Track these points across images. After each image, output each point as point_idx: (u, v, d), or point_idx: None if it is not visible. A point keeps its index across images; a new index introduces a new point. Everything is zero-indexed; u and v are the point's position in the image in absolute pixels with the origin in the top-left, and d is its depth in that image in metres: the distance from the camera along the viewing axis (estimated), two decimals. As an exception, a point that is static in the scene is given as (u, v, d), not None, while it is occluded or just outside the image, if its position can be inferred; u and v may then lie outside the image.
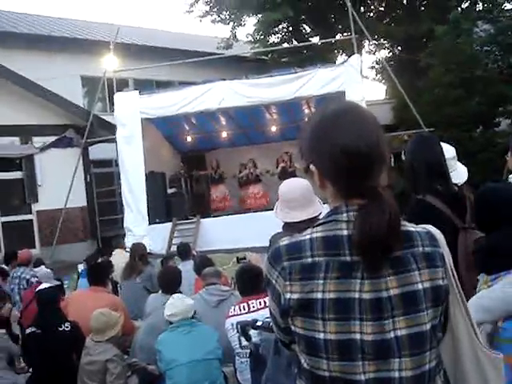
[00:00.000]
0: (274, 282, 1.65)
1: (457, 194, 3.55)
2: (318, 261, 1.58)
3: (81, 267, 9.51)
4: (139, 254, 8.52)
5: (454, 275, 1.73)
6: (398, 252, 1.58)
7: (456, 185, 3.62)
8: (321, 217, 1.74)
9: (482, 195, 3.12)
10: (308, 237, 1.63)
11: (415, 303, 1.57)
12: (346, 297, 1.55)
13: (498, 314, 2.69)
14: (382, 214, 1.54)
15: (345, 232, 1.59)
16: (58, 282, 8.11)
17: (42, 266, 8.71)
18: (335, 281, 1.55)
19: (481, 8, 20.90)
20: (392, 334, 1.55)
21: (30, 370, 5.67)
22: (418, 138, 3.97)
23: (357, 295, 1.55)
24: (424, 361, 1.58)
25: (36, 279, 8.21)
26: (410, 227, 1.67)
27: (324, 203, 3.62)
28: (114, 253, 9.93)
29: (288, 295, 1.60)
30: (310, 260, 1.59)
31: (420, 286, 1.58)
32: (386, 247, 1.54)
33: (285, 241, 1.67)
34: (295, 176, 13.45)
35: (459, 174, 3.88)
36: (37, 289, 6.31)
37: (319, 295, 1.55)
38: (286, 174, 15.48)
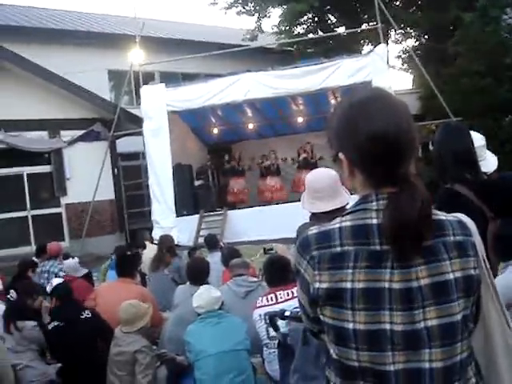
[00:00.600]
0: (302, 271, 1.64)
1: (486, 182, 3.50)
2: (347, 250, 1.56)
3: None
4: (167, 246, 8.57)
5: (486, 265, 1.70)
6: (428, 241, 1.55)
7: (485, 173, 3.57)
8: (348, 207, 1.72)
9: (500, 182, 3.09)
10: (337, 226, 1.61)
11: (446, 293, 1.55)
12: (375, 286, 1.53)
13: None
14: (413, 201, 1.52)
15: (374, 221, 1.57)
16: (86, 270, 8.17)
17: (70, 259, 8.79)
18: (365, 270, 1.54)
19: (510, -6, 20.57)
20: (422, 325, 1.53)
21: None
22: (446, 126, 3.91)
23: (387, 285, 1.53)
24: (455, 352, 1.56)
25: (63, 273, 8.29)
26: (441, 216, 1.64)
27: (351, 193, 3.62)
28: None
29: (317, 284, 1.58)
30: (339, 249, 1.57)
31: (451, 276, 1.56)
32: (417, 236, 1.51)
33: (313, 230, 1.65)
34: (316, 167, 13.40)
35: (489, 162, 3.82)
36: (53, 285, 6.36)
37: (348, 285, 1.54)
38: (307, 165, 15.45)
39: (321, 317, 1.62)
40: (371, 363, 1.54)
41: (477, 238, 1.67)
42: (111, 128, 15.76)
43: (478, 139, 3.67)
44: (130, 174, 18.71)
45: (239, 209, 15.89)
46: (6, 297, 5.98)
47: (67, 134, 16.02)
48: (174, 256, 8.51)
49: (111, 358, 5.23)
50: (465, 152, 3.43)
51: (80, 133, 16.17)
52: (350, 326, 1.54)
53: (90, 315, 5.57)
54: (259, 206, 15.77)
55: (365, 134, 1.56)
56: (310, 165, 15.08)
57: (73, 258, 8.75)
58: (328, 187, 3.58)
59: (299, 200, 3.78)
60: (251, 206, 15.84)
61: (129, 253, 8.52)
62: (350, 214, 1.62)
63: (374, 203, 1.59)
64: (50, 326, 5.65)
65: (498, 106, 17.74)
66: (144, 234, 11.59)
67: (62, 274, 8.32)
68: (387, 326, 1.52)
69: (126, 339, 5.21)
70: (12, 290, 5.99)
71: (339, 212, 3.13)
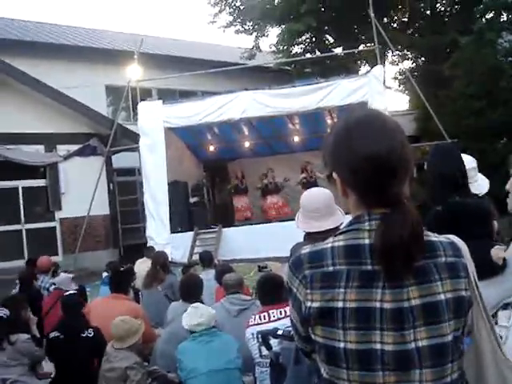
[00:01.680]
0: (295, 290, 1.65)
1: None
2: (339, 269, 1.57)
3: (105, 275, 9.53)
4: (161, 262, 8.53)
5: (477, 287, 1.71)
6: (420, 262, 1.56)
7: (477, 195, 3.59)
8: (342, 226, 1.74)
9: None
10: (329, 245, 1.62)
11: (437, 314, 1.55)
12: (366, 306, 1.53)
13: None
14: (404, 223, 1.53)
15: (367, 241, 1.57)
16: (76, 287, 8.10)
17: (61, 274, 8.72)
18: (356, 290, 1.54)
19: (505, 19, 20.74)
20: (413, 345, 1.53)
21: (52, 375, 5.70)
22: (436, 148, 3.96)
23: (378, 305, 1.53)
24: (445, 372, 1.56)
25: (54, 286, 8.22)
26: (433, 237, 1.65)
27: (346, 213, 3.63)
28: (138, 261, 9.94)
29: (309, 303, 1.59)
30: (331, 268, 1.58)
31: (442, 297, 1.56)
32: (408, 257, 1.52)
33: (306, 249, 1.66)
34: (317, 186, 13.41)
35: (479, 185, 3.86)
36: (64, 294, 6.36)
37: (340, 304, 1.54)
38: (307, 184, 15.47)
39: (312, 336, 1.62)
40: (362, 383, 1.54)
41: (468, 260, 1.68)
42: (108, 143, 15.76)
43: (469, 162, 3.70)
44: (125, 189, 18.71)
45: (235, 226, 15.86)
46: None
47: (63, 149, 16.01)
48: (168, 273, 8.48)
49: (102, 373, 5.20)
50: (452, 174, 3.45)
51: (76, 147, 16.17)
52: (341, 345, 1.54)
53: (92, 334, 5.51)
54: (256, 224, 15.75)
55: (358, 155, 1.57)
56: (309, 184, 15.07)
57: (66, 272, 8.72)
58: (323, 207, 3.60)
59: (293, 219, 3.80)
60: (250, 224, 15.83)
61: (122, 268, 8.49)
62: (343, 234, 1.63)
63: (367, 223, 1.59)
64: (50, 335, 5.62)
65: (492, 128, 17.83)
66: (146, 250, 11.41)
67: (51, 288, 8.24)
68: (378, 346, 1.53)
69: (117, 355, 5.18)
70: (2, 308, 5.94)
71: (333, 231, 3.15)
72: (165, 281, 8.12)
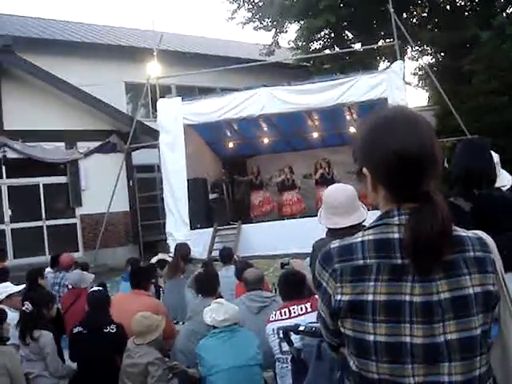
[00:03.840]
0: (324, 283, 1.66)
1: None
2: (369, 263, 1.59)
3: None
4: (182, 253, 8.62)
5: (504, 282, 1.72)
6: (449, 256, 1.57)
7: (499, 189, 3.58)
8: (366, 222, 1.74)
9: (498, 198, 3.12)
10: (359, 239, 1.64)
11: (466, 307, 1.56)
12: (396, 299, 1.55)
13: None
14: (433, 217, 1.54)
15: (396, 235, 1.59)
16: (90, 280, 7.99)
17: (77, 270, 8.63)
18: (386, 283, 1.56)
19: (526, 13, 20.59)
20: (442, 338, 1.54)
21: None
22: (466, 143, 3.95)
23: (407, 298, 1.55)
24: (474, 366, 1.57)
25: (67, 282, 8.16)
26: (462, 232, 1.66)
27: (369, 209, 3.62)
28: (155, 257, 9.97)
29: (338, 297, 1.61)
30: (361, 262, 1.60)
31: (471, 291, 1.57)
32: (437, 251, 1.54)
33: (336, 243, 1.68)
34: (333, 182, 13.39)
35: (501, 179, 3.86)
36: (90, 291, 6.40)
37: (370, 297, 1.56)
38: (324, 181, 15.45)
39: (341, 329, 1.63)
40: (391, 375, 1.55)
41: (496, 256, 1.69)
42: (127, 140, 15.83)
43: (494, 157, 3.68)
44: (144, 186, 18.77)
45: (255, 222, 15.86)
46: (22, 309, 5.97)
47: (84, 146, 16.15)
48: (188, 263, 8.55)
49: (123, 369, 5.23)
50: (481, 169, 3.43)
51: (96, 144, 16.31)
52: (371, 338, 1.56)
53: (115, 330, 5.54)
54: (274, 220, 15.76)
55: (389, 151, 1.59)
56: (326, 181, 15.05)
57: (82, 268, 8.69)
58: (345, 203, 3.58)
59: (315, 215, 3.78)
60: (268, 220, 15.84)
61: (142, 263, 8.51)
62: (373, 228, 1.64)
63: (396, 218, 1.61)
64: (74, 330, 5.66)
65: (512, 124, 17.70)
66: (163, 246, 11.49)
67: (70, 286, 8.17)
68: (407, 339, 1.54)
69: (138, 351, 5.21)
70: (27, 302, 5.99)
71: (356, 228, 3.14)
72: (186, 272, 8.17)
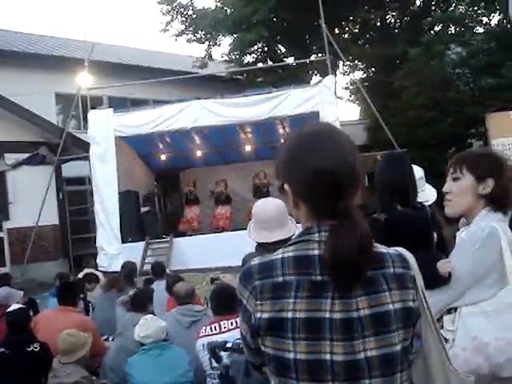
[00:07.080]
0: (245, 301, 1.64)
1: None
2: (288, 280, 1.57)
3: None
4: (128, 273, 8.53)
5: (424, 298, 1.74)
6: (369, 272, 1.57)
7: (422, 204, 3.62)
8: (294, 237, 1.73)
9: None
10: (279, 256, 1.62)
11: (386, 324, 1.56)
12: (316, 316, 1.54)
13: None
14: (352, 234, 1.54)
15: (316, 252, 1.58)
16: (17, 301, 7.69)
17: (5, 286, 8.31)
18: (306, 300, 1.54)
19: (453, 31, 21.24)
20: (362, 355, 1.53)
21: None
22: (386, 156, 4.00)
23: (327, 315, 1.53)
24: (395, 382, 1.57)
25: None
26: (382, 248, 1.66)
27: (297, 223, 3.62)
28: (82, 272, 9.75)
29: (258, 314, 1.58)
30: (280, 279, 1.58)
31: (391, 307, 1.58)
32: (357, 268, 1.53)
33: (256, 260, 1.66)
34: (269, 195, 13.45)
35: (426, 194, 3.92)
36: (7, 310, 6.15)
37: (289, 314, 1.54)
38: (260, 194, 15.49)
39: (262, 347, 1.61)
40: None
41: (416, 272, 1.70)
42: (57, 152, 15.51)
43: (416, 171, 3.73)
44: (75, 199, 18.44)
45: (187, 236, 15.76)
46: None
47: (12, 157, 15.72)
48: (131, 285, 8.30)
49: (49, 390, 5.07)
50: (402, 183, 3.47)
51: (25, 156, 15.89)
52: (291, 356, 1.54)
53: (38, 348, 5.36)
54: (208, 234, 15.68)
55: (311, 169, 1.59)
56: (262, 193, 15.09)
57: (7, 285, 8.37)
58: (275, 218, 3.58)
59: (245, 228, 3.77)
60: (200, 234, 15.75)
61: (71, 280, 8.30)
62: (293, 245, 1.63)
63: (317, 235, 1.60)
64: None
65: (442, 138, 18.23)
66: (88, 260, 11.33)
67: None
68: (328, 357, 1.52)
69: (64, 370, 5.06)
70: None
71: (285, 242, 3.13)
72: (123, 290, 7.97)
